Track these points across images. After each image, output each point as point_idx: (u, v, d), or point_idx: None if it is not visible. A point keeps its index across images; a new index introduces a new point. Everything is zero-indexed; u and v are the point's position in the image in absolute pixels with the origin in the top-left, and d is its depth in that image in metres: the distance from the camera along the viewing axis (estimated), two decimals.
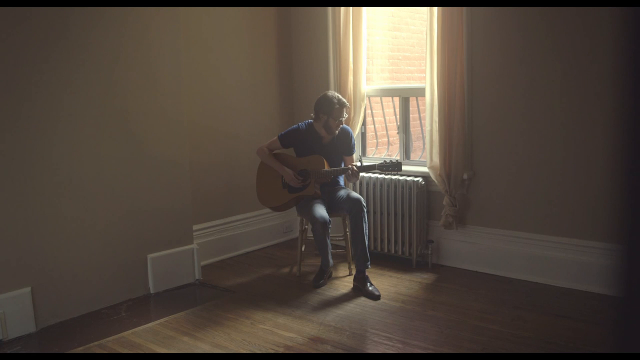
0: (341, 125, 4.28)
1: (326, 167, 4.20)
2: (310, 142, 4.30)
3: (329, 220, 4.09)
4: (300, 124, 4.40)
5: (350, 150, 4.36)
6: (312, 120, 4.31)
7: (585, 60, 3.83)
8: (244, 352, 3.23)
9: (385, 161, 4.12)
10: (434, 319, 3.60)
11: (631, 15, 1.00)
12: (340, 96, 4.24)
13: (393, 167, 4.08)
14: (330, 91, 4.30)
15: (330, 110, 4.19)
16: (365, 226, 4.15)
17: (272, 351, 3.23)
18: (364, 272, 4.12)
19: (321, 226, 4.05)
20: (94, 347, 3.32)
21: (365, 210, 4.15)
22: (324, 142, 4.31)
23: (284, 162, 4.31)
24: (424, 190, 4.60)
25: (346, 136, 4.35)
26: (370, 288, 4.04)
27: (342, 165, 4.34)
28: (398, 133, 4.96)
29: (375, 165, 4.14)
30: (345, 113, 4.23)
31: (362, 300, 3.95)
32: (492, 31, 4.17)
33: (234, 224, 5.05)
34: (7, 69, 3.37)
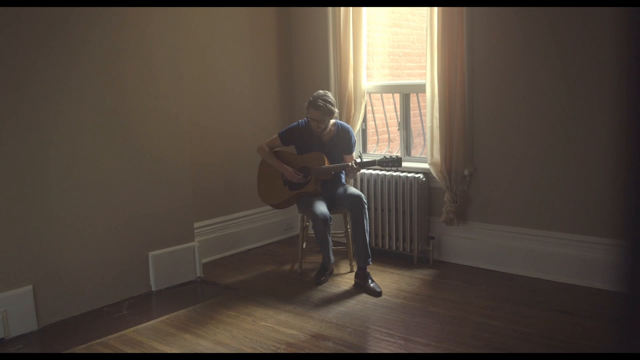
0: (335, 121, 4.28)
1: (326, 164, 4.19)
2: (310, 139, 4.29)
3: (330, 217, 4.09)
4: (300, 121, 4.38)
5: (349, 149, 4.34)
6: None
7: (586, 56, 3.81)
8: (246, 349, 3.23)
9: (385, 157, 4.11)
10: (436, 316, 3.60)
11: (632, 14, 1.00)
12: (320, 95, 4.13)
13: (393, 162, 4.07)
14: (321, 90, 4.26)
15: (306, 107, 4.19)
16: (366, 223, 4.14)
17: (274, 348, 3.23)
18: (365, 268, 4.12)
19: (322, 223, 4.05)
20: (96, 345, 3.32)
21: (366, 206, 4.14)
22: (323, 140, 4.30)
23: (284, 160, 4.31)
24: (425, 186, 4.60)
25: (346, 134, 4.33)
26: (371, 285, 4.04)
27: None
28: (399, 129, 4.96)
29: (375, 160, 4.13)
30: (320, 114, 4.09)
31: (364, 297, 3.95)
32: (492, 26, 4.16)
33: (235, 222, 5.05)
34: (3, 69, 3.35)
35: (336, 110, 4.21)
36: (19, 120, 3.42)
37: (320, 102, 4.09)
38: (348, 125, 4.42)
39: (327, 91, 4.25)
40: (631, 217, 1.05)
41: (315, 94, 4.18)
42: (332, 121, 4.28)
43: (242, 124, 5.06)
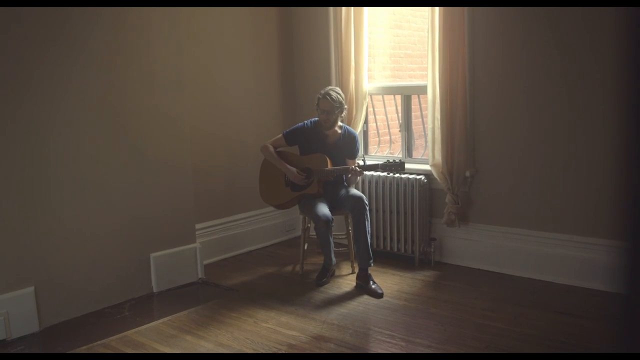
0: (342, 125, 4.31)
1: (329, 166, 4.19)
2: (315, 140, 4.30)
3: (332, 219, 4.09)
4: (305, 122, 4.39)
5: (353, 154, 4.34)
6: (317, 119, 4.31)
7: (587, 57, 3.82)
8: (248, 350, 3.23)
9: (388, 161, 4.10)
10: (437, 317, 3.60)
11: (632, 14, 1.00)
12: (330, 89, 4.23)
13: (396, 167, 4.06)
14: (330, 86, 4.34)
15: (317, 101, 4.22)
16: (368, 224, 4.14)
17: (276, 350, 3.23)
18: (367, 270, 4.12)
19: (324, 224, 4.05)
20: (98, 347, 3.32)
21: (367, 208, 4.14)
22: (328, 142, 4.30)
23: (287, 160, 4.31)
24: (427, 188, 4.60)
25: (351, 139, 4.34)
26: (373, 286, 4.04)
27: None
28: (400, 131, 4.96)
29: (378, 164, 4.12)
30: (330, 104, 4.15)
31: (365, 299, 3.95)
32: (493, 28, 4.17)
33: (236, 223, 5.05)
34: (3, 69, 3.35)
35: (346, 106, 4.30)
36: (19, 122, 3.43)
37: (333, 93, 4.18)
38: (355, 132, 4.45)
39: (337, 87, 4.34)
40: (631, 218, 1.05)
41: (326, 88, 4.25)
42: (339, 123, 4.30)
43: (243, 126, 5.06)
